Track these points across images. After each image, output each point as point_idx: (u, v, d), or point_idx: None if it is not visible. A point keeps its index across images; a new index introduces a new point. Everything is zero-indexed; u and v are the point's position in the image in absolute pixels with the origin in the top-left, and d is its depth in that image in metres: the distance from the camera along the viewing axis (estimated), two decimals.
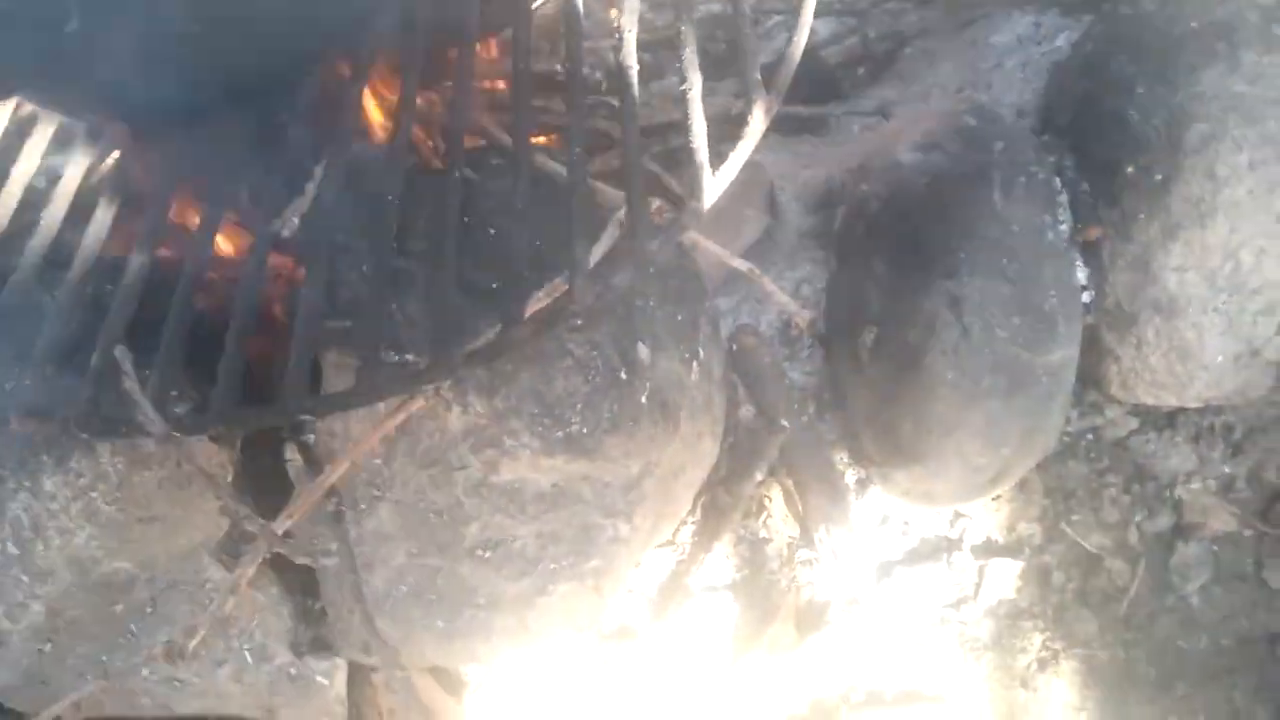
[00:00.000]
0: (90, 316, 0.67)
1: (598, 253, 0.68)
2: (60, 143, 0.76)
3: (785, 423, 0.93)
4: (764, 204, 1.08)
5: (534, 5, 0.83)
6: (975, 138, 0.92)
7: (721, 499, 0.94)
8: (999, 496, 0.99)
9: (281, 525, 0.68)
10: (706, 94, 1.20)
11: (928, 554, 0.98)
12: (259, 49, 0.71)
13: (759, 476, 0.93)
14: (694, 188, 0.66)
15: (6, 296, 0.69)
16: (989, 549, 0.99)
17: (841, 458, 0.97)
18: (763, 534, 0.95)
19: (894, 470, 0.91)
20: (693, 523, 0.94)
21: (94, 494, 0.70)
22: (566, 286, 0.64)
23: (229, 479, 0.73)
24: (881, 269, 0.88)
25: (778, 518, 0.95)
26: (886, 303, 0.87)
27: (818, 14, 1.26)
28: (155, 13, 0.64)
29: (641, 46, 1.16)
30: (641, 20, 1.17)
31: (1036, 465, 0.98)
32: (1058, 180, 0.94)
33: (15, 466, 0.70)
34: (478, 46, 0.83)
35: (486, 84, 0.91)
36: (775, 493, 0.95)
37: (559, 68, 0.98)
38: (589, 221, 0.67)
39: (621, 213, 0.69)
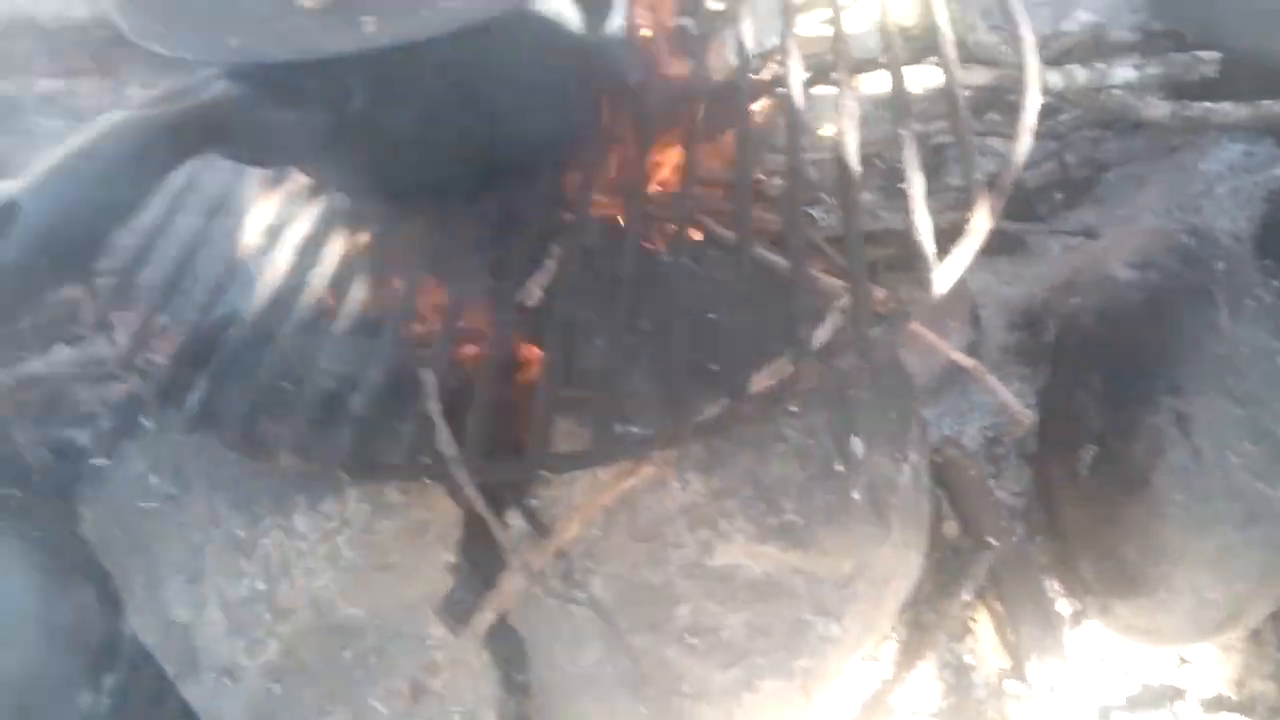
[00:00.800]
0: (352, 373, 0.74)
1: (820, 336, 0.70)
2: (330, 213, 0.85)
3: (994, 541, 0.90)
4: (966, 318, 1.09)
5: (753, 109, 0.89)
6: (1193, 257, 0.91)
7: (926, 617, 0.91)
8: (1229, 646, 0.92)
9: (496, 603, 0.70)
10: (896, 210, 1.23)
11: (1150, 701, 0.90)
12: (514, 138, 0.78)
13: (966, 596, 0.90)
14: (921, 279, 0.68)
15: (276, 351, 0.76)
16: (1219, 703, 0.90)
17: (1054, 586, 0.93)
18: (969, 659, 0.91)
19: (1115, 600, 0.87)
20: (896, 640, 0.92)
21: (339, 537, 0.75)
22: (790, 367, 0.67)
23: (458, 536, 0.77)
24: (1099, 383, 0.86)
25: (985, 644, 0.92)
26: (1107, 418, 0.85)
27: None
28: (428, 100, 0.72)
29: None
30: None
31: (1272, 615, 0.91)
32: None
33: (271, 506, 0.76)
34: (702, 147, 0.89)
35: (706, 185, 0.97)
36: (982, 617, 0.92)
37: (770, 177, 1.03)
38: (810, 308, 0.70)
39: (844, 300, 0.71)
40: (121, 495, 0.85)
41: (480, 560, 0.79)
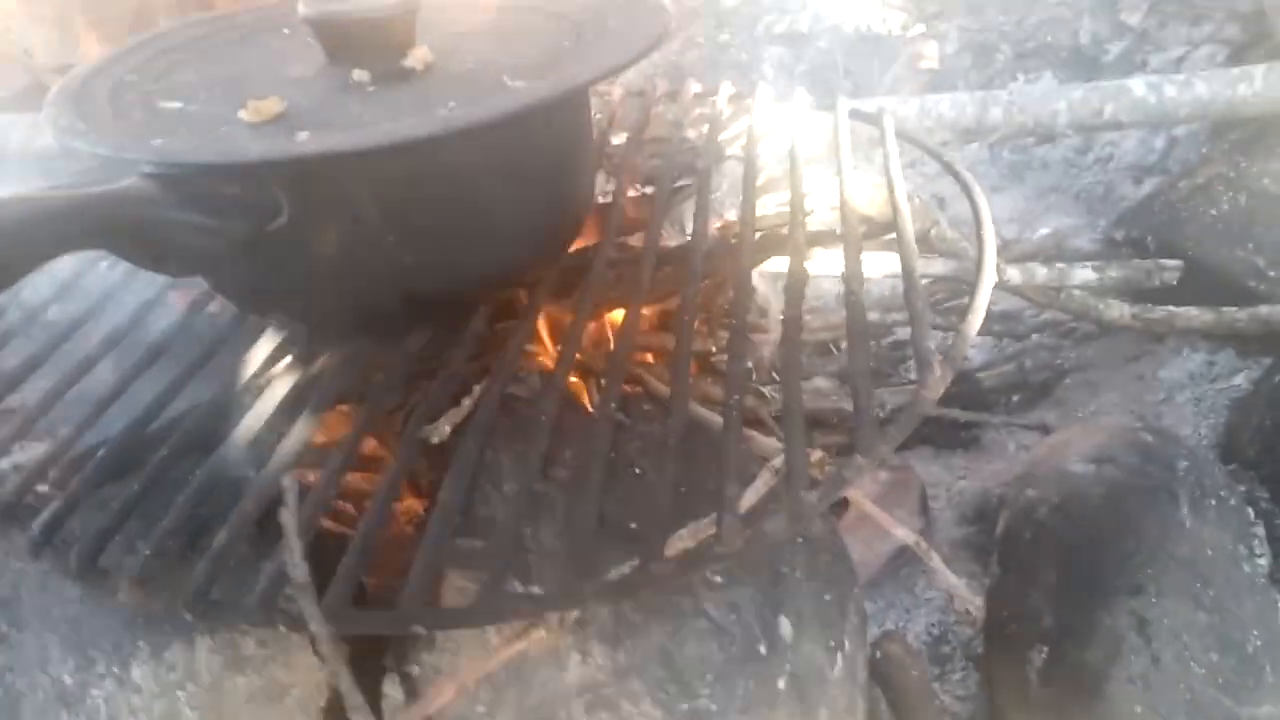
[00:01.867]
0: (225, 503, 0.66)
1: (750, 498, 0.63)
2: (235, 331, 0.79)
3: None
4: (916, 508, 1.03)
5: (702, 281, 0.86)
6: (1155, 454, 0.86)
7: None
8: None
9: None
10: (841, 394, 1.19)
11: None
12: (443, 274, 0.73)
13: None
14: (860, 442, 0.62)
15: (151, 473, 0.68)
16: None
17: None
18: None
19: None
20: None
21: (180, 693, 0.64)
22: (713, 529, 0.60)
23: (322, 704, 0.67)
24: (1053, 579, 0.79)
25: None
26: (1060, 617, 0.77)
27: (978, 334, 1.28)
28: (357, 223, 0.68)
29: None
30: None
31: None
32: (1250, 510, 0.86)
33: (109, 649, 0.66)
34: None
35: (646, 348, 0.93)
36: None
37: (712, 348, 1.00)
38: (742, 468, 0.64)
39: (778, 460, 0.65)
40: None
41: None
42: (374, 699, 0.69)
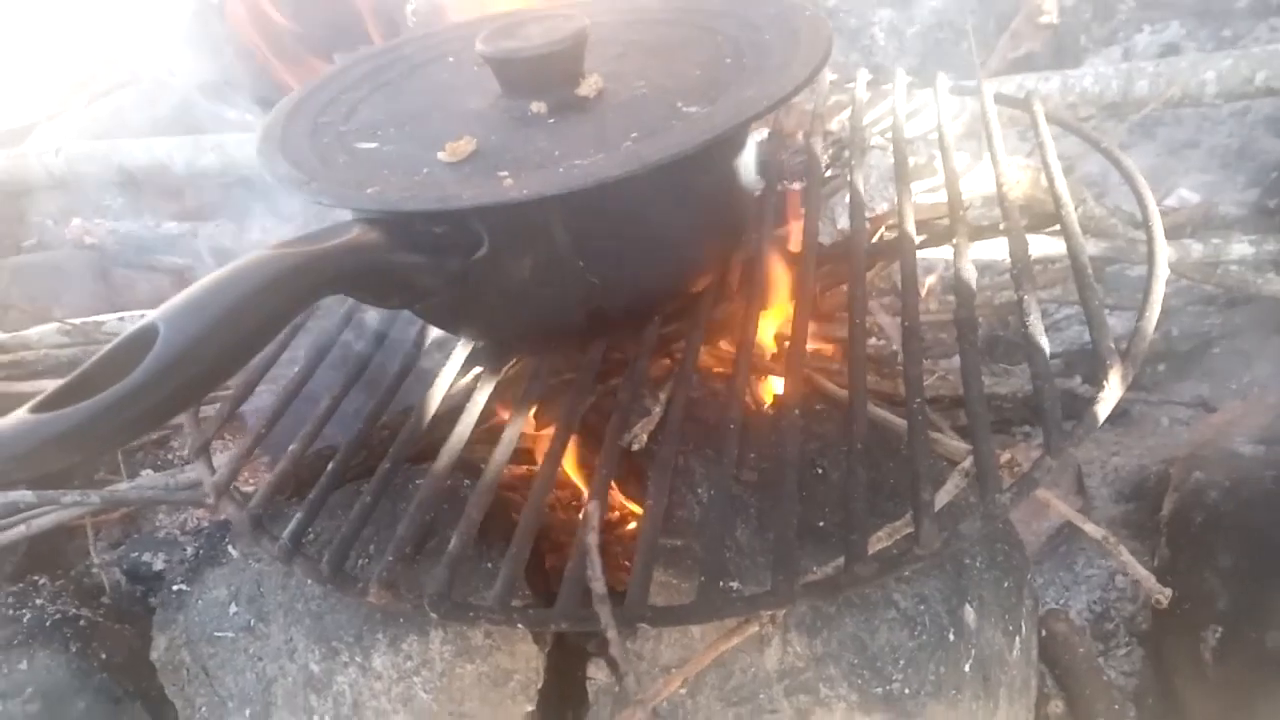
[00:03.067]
0: (449, 508, 0.72)
1: (942, 499, 0.66)
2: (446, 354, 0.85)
3: None
4: (1073, 487, 1.05)
5: (869, 271, 0.89)
6: None
7: None
8: None
9: None
10: (1003, 374, 1.21)
11: None
12: (625, 291, 0.78)
13: None
14: (1050, 444, 0.64)
15: (378, 484, 0.75)
16: None
17: None
18: None
19: None
20: None
21: (416, 679, 0.72)
22: (910, 529, 0.63)
23: (539, 685, 0.73)
24: (1228, 561, 0.81)
25: None
26: (1237, 599, 0.79)
27: (1117, 308, 1.27)
28: (549, 251, 0.73)
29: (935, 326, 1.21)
30: (942, 300, 1.23)
31: None
32: None
33: (351, 640, 0.73)
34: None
35: (820, 345, 0.96)
36: None
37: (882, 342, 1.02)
38: (932, 469, 0.67)
39: (967, 463, 0.68)
40: (198, 622, 0.83)
41: (558, 708, 0.76)
42: (579, 680, 0.75)
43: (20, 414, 0.49)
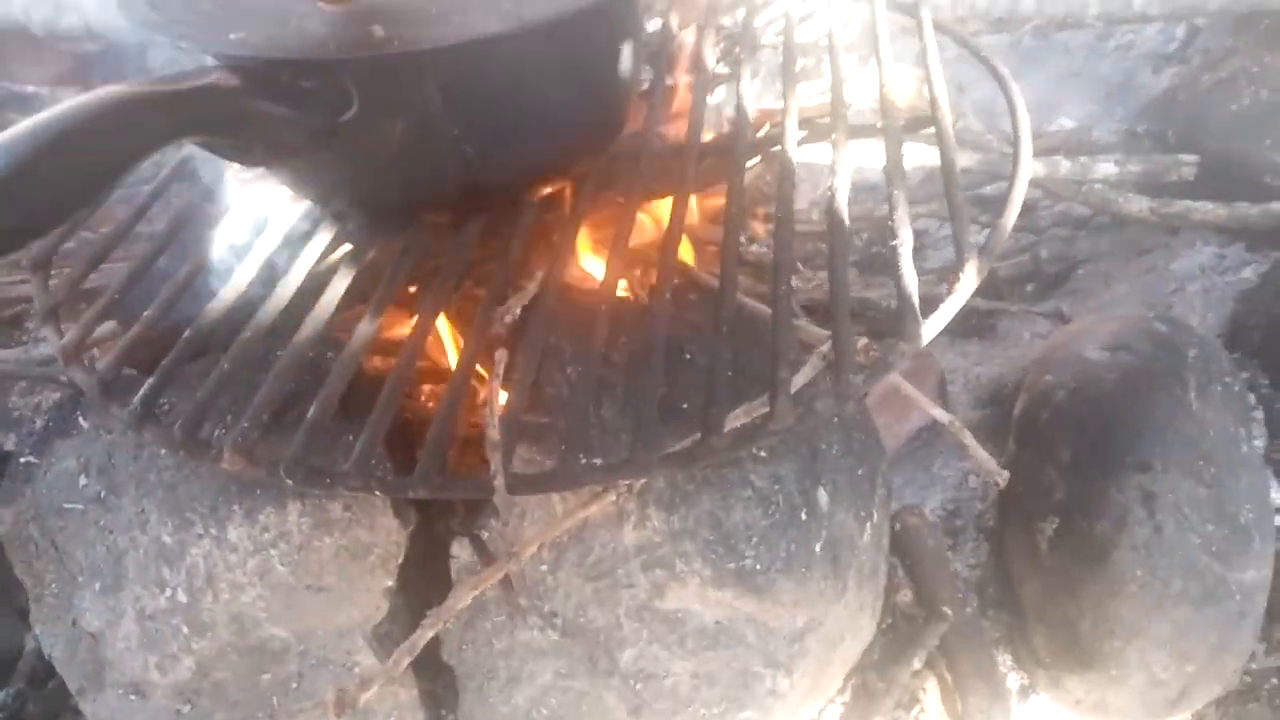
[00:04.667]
0: (310, 380, 0.71)
1: (799, 380, 0.68)
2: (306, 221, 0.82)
3: (948, 611, 0.88)
4: (934, 393, 1.09)
5: (747, 165, 0.89)
6: (1166, 342, 0.92)
7: (873, 684, 0.88)
8: None
9: (446, 614, 0.67)
10: (868, 287, 1.24)
11: None
12: (500, 164, 0.76)
13: (916, 665, 0.88)
14: (902, 329, 0.67)
15: (236, 353, 0.73)
16: None
17: (1005, 659, 0.91)
18: None
19: (1066, 674, 0.85)
20: (841, 703, 0.89)
21: (273, 551, 0.71)
22: (766, 407, 0.65)
23: (399, 560, 0.73)
24: (1067, 456, 0.85)
25: (931, 713, 0.89)
26: (1072, 491, 0.84)
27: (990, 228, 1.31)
28: (422, 114, 0.70)
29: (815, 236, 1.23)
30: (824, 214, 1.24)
31: (1215, 702, 0.90)
32: (1251, 396, 0.91)
33: (206, 511, 0.72)
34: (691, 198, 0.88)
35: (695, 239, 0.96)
36: (931, 685, 0.90)
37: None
38: (791, 353, 0.69)
39: (826, 346, 0.70)
40: (46, 495, 0.79)
41: (420, 587, 0.76)
42: (442, 560, 0.76)
43: None
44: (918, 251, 1.44)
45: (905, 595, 0.93)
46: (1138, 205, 1.10)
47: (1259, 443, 0.89)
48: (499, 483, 0.60)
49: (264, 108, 0.63)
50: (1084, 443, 0.85)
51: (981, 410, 1.10)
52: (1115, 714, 0.86)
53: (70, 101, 0.54)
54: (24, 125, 0.52)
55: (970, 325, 1.28)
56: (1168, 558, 0.79)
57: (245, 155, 0.68)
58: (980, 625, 0.91)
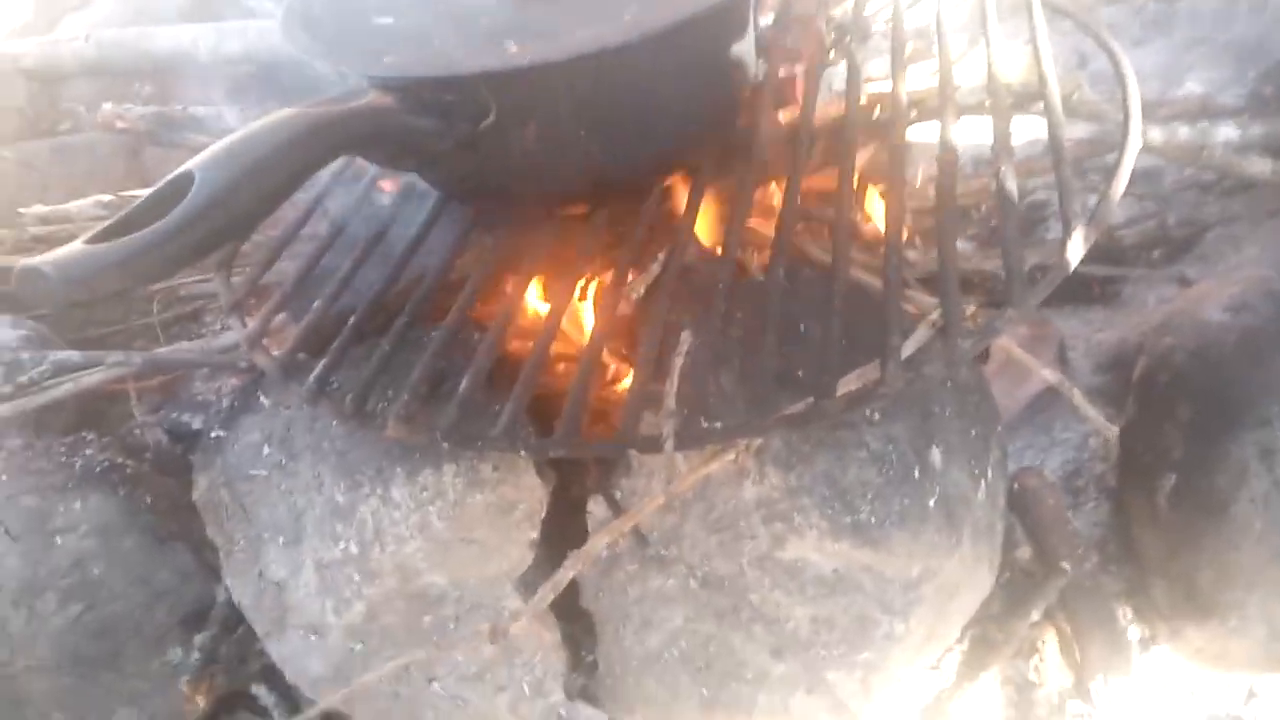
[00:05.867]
0: (459, 357, 0.79)
1: (910, 346, 0.72)
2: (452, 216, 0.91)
3: (1067, 566, 0.91)
4: (1054, 358, 1.10)
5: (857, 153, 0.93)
6: None
7: (992, 634, 0.92)
8: None
9: (585, 557, 0.74)
10: (986, 259, 1.25)
11: None
12: (624, 160, 0.83)
13: (1035, 617, 0.91)
14: (1010, 294, 0.70)
15: (394, 336, 0.81)
16: None
17: (1125, 613, 0.93)
18: (1033, 678, 0.91)
19: (1186, 625, 0.87)
20: (960, 652, 0.92)
21: (431, 508, 0.79)
22: (878, 373, 0.69)
23: (542, 515, 0.81)
24: (1186, 416, 0.86)
25: (1051, 664, 0.92)
26: (1191, 449, 0.85)
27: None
28: (553, 119, 0.77)
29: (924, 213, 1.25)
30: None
31: None
32: None
33: (372, 474, 0.81)
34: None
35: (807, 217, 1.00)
36: (1050, 638, 0.92)
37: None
38: (902, 321, 0.73)
39: (935, 314, 0.74)
40: (234, 464, 0.91)
41: (560, 542, 0.83)
42: (579, 517, 0.83)
43: (77, 244, 0.55)
44: (1040, 222, 1.44)
45: (1025, 552, 0.96)
46: (1260, 166, 1.08)
47: None
48: (668, 444, 0.66)
49: (415, 122, 0.71)
50: (1203, 402, 0.85)
51: (1103, 375, 1.11)
52: (1236, 664, 0.87)
53: (255, 125, 0.63)
54: (222, 149, 0.61)
55: (1093, 292, 1.28)
56: None
57: (398, 162, 0.77)
58: (1100, 580, 0.93)
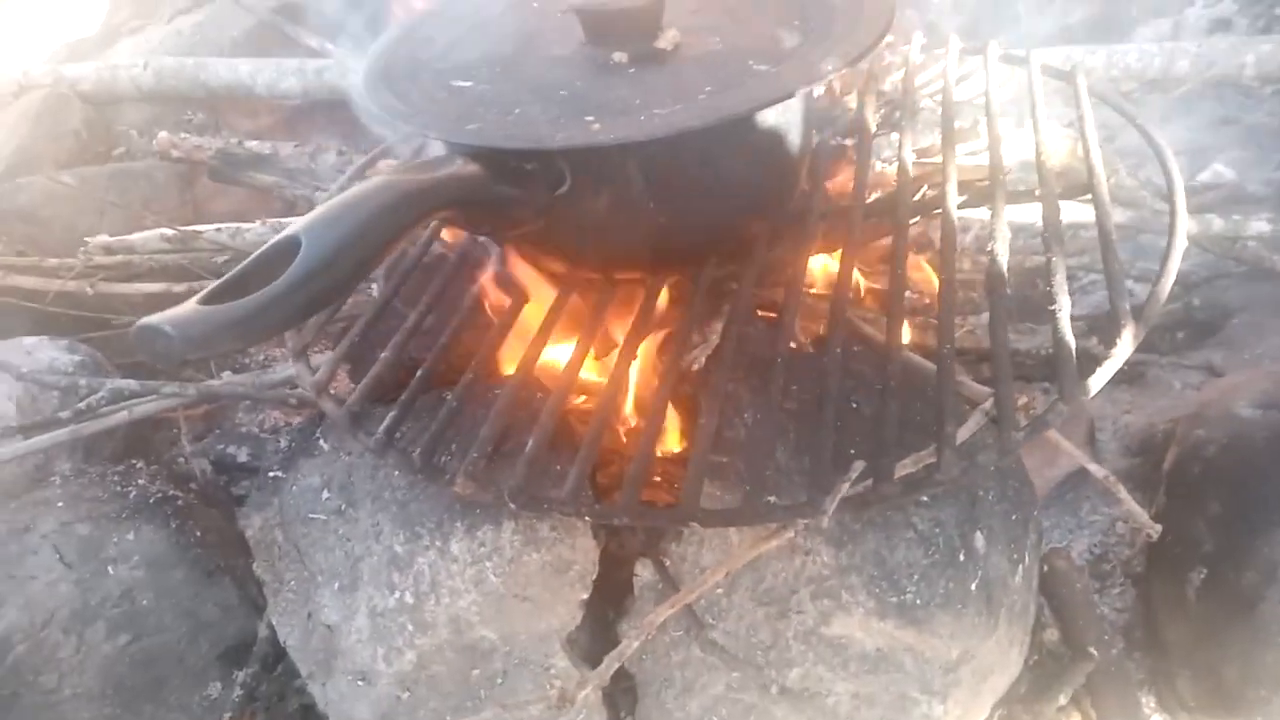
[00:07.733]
0: (523, 415, 0.82)
1: (963, 434, 0.75)
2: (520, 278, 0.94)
3: (1094, 651, 0.93)
4: (1083, 439, 1.13)
5: (911, 222, 0.96)
6: None
7: (1019, 716, 0.94)
8: None
9: (648, 628, 0.76)
10: (1029, 333, 1.28)
11: None
12: (688, 230, 0.86)
13: (1061, 700, 0.93)
14: (1063, 390, 0.73)
15: (461, 391, 0.84)
16: None
17: (1149, 701, 0.95)
18: None
19: (1210, 718, 0.89)
20: None
21: (488, 564, 0.82)
22: (933, 458, 0.72)
23: (594, 576, 0.83)
24: (1216, 510, 0.89)
25: None
26: (1221, 543, 0.88)
27: (1141, 279, 1.34)
28: (625, 191, 0.81)
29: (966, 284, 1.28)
30: (975, 260, 1.29)
31: None
32: None
33: (432, 527, 0.83)
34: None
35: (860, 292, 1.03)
36: None
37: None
38: (956, 408, 0.76)
39: (988, 403, 0.77)
40: (292, 505, 0.93)
41: (601, 598, 0.85)
42: (623, 577, 0.85)
43: (192, 304, 0.58)
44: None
45: (1052, 634, 0.98)
46: None
47: None
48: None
49: (498, 190, 0.75)
50: (1234, 498, 0.88)
51: (1130, 459, 1.13)
52: None
53: (352, 192, 0.66)
54: (324, 214, 0.63)
55: (1120, 373, 1.30)
56: None
57: (479, 226, 0.80)
58: (1126, 666, 0.95)
